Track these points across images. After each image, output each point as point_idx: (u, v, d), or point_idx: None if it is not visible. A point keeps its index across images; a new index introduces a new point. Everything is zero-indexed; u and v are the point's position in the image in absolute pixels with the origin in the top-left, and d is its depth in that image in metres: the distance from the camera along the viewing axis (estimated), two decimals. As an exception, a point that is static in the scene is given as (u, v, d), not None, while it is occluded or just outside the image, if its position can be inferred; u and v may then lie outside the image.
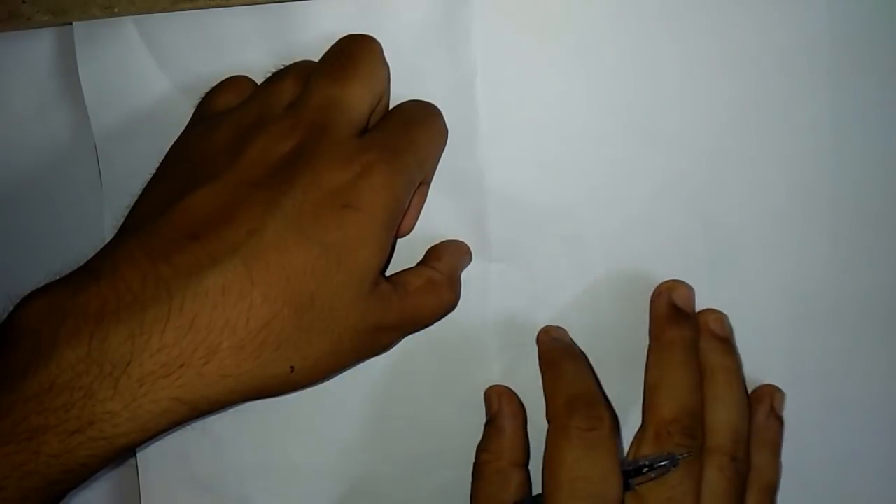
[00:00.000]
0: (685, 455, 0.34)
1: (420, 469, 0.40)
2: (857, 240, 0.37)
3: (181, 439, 0.40)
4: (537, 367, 0.39)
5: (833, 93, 0.36)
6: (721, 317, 0.38)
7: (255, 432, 0.40)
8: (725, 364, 0.37)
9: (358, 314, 0.32)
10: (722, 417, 0.35)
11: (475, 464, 0.38)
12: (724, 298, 0.38)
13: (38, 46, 0.39)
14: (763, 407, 0.38)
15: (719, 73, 0.36)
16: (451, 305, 0.37)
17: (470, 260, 0.38)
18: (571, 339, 0.39)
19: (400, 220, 0.34)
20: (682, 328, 0.37)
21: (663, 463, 0.33)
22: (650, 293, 0.38)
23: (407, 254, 0.38)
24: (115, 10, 0.37)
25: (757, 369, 0.38)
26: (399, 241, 0.38)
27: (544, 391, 0.36)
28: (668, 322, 0.37)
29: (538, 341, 0.39)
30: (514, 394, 0.39)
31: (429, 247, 0.38)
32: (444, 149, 0.37)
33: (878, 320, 0.38)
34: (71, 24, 0.38)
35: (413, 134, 0.35)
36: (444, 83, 0.37)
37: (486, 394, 0.39)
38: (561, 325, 0.39)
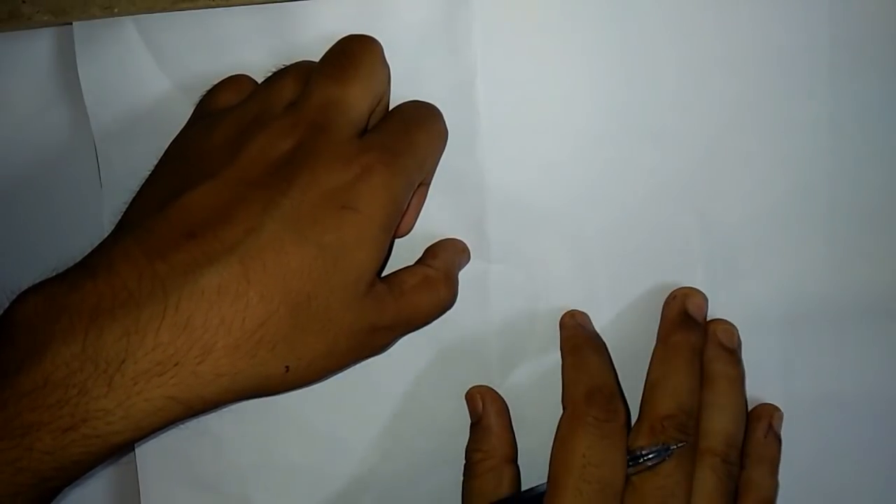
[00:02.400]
0: (679, 445, 0.34)
1: (420, 468, 0.40)
2: (855, 239, 0.37)
3: (181, 438, 0.40)
4: (536, 367, 0.39)
5: (832, 93, 0.36)
6: (731, 328, 0.38)
7: (255, 432, 0.40)
8: (728, 373, 0.37)
9: (354, 315, 0.32)
10: (718, 422, 0.36)
11: (467, 463, 0.38)
12: (721, 297, 0.38)
13: (38, 46, 0.39)
14: (762, 424, 0.38)
15: (718, 73, 0.36)
16: (448, 303, 0.37)
17: (468, 258, 0.38)
18: (594, 327, 0.39)
19: (398, 222, 0.34)
20: (689, 334, 0.37)
21: (658, 452, 0.35)
22: (649, 293, 0.38)
23: (406, 254, 0.38)
24: (115, 10, 0.37)
25: (753, 368, 0.38)
26: (398, 241, 0.38)
27: (563, 375, 0.37)
28: (677, 326, 0.37)
29: (562, 324, 0.39)
30: (496, 392, 0.39)
31: (428, 247, 0.38)
32: (443, 150, 0.37)
33: (874, 319, 0.38)
34: (71, 24, 0.38)
35: (413, 135, 0.34)
36: (444, 83, 0.37)
37: (468, 395, 0.39)
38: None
